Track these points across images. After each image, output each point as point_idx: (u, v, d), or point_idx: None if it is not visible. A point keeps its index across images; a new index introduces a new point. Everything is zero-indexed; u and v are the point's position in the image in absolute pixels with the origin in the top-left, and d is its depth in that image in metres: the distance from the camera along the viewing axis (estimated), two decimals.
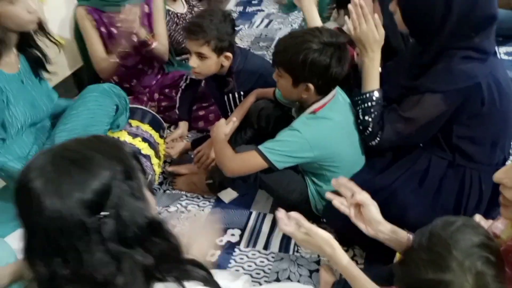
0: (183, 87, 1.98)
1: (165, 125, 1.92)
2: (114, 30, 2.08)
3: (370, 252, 1.42)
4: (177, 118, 2.13)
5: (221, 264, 1.43)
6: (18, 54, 1.50)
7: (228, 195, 1.68)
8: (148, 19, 2.16)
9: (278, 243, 1.50)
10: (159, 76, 2.28)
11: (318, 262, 1.41)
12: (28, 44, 1.50)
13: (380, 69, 1.29)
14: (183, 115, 1.98)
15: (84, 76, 2.38)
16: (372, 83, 1.27)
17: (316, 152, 1.30)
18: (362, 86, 1.30)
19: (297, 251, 1.46)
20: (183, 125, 1.96)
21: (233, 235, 1.54)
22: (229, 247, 1.49)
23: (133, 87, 2.22)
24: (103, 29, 2.09)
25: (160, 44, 2.14)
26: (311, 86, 1.26)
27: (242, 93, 1.69)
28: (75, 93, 2.37)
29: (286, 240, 1.50)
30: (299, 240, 1.04)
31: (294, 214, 1.04)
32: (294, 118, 1.63)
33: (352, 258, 1.42)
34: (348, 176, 1.36)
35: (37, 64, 1.57)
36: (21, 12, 1.34)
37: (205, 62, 1.60)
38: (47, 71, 1.62)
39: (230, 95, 1.71)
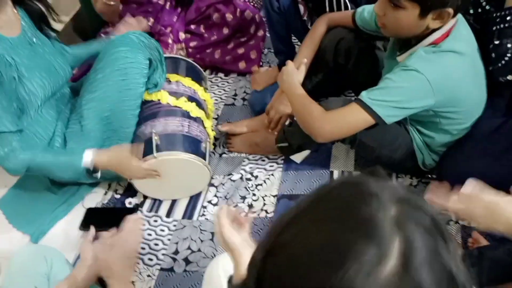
0: None
1: (204, 73, 1.57)
2: None
3: None
4: (212, 60, 1.77)
5: None
6: (16, 9, 1.13)
7: (300, 154, 1.38)
8: None
9: None
10: (179, 9, 1.86)
11: None
12: None
13: None
14: None
15: (86, 20, 1.96)
16: None
17: (439, 97, 0.97)
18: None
19: None
20: None
21: None
22: None
23: (152, 29, 1.81)
24: None
25: None
26: (450, 10, 0.89)
27: None
28: (79, 42, 1.99)
29: None
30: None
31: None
32: (380, 50, 1.29)
33: None
34: (467, 122, 1.07)
35: (41, 19, 1.20)
36: None
37: None
38: (52, 29, 1.25)
39: None
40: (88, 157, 1.18)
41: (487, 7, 1.07)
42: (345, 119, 1.00)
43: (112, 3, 1.63)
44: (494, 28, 0.97)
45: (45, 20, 1.22)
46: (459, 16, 0.99)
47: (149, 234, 1.29)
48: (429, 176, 1.24)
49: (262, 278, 0.39)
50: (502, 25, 0.95)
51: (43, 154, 1.16)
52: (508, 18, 0.96)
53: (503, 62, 0.97)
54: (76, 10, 1.96)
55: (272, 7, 1.46)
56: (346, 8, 1.29)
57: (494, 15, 0.99)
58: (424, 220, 0.38)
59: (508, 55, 0.96)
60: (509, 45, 0.96)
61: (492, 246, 1.05)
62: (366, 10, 1.18)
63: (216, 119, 1.61)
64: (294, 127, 1.21)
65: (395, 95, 0.96)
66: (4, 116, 1.08)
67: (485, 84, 1.06)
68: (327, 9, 1.32)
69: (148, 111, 1.29)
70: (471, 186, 0.77)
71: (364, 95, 0.98)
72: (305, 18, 1.43)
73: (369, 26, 1.18)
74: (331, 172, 1.35)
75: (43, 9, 1.20)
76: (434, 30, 0.95)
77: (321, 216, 0.38)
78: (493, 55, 0.99)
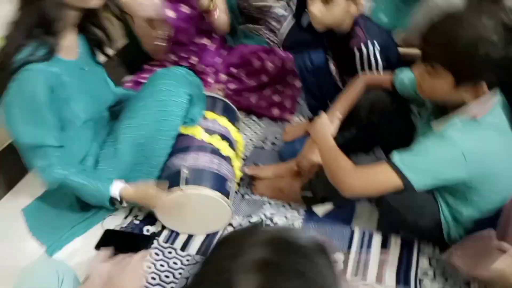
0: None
1: (239, 114, 1.62)
2: None
3: None
4: (248, 104, 1.83)
5: None
6: (77, 35, 1.21)
7: (323, 207, 1.37)
8: None
9: (394, 273, 1.20)
10: (222, 50, 1.95)
11: None
12: (91, 22, 1.21)
13: None
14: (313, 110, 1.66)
15: (133, 53, 2.06)
16: None
17: (473, 171, 0.97)
18: None
19: (420, 283, 1.16)
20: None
21: None
22: None
23: (194, 66, 1.90)
24: None
25: (221, 12, 1.80)
26: (484, 85, 0.91)
27: (376, 45, 1.32)
28: (123, 73, 2.09)
29: (404, 269, 1.20)
30: None
31: None
32: (416, 115, 1.30)
33: None
34: (499, 201, 1.05)
35: (98, 46, 1.28)
36: None
37: (331, 8, 1.30)
38: (106, 55, 1.34)
39: (358, 52, 1.34)
40: (117, 188, 1.22)
41: None
42: (374, 177, 1.00)
43: (163, 44, 1.72)
44: None
45: (102, 47, 1.30)
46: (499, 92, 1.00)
47: (162, 265, 1.28)
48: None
49: None
50: None
51: (76, 174, 1.20)
52: None
53: None
54: (124, 43, 2.07)
55: (306, 67, 1.54)
56: (377, 65, 1.33)
57: None
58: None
59: None
60: None
61: None
62: (406, 76, 1.21)
63: (244, 159, 1.63)
64: (320, 178, 1.21)
65: (427, 162, 0.96)
66: (50, 131, 1.14)
67: None
68: (359, 69, 1.37)
69: (181, 144, 1.33)
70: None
71: (396, 157, 0.98)
72: (336, 77, 1.48)
73: (407, 92, 1.20)
74: (352, 231, 1.33)
75: (102, 36, 1.28)
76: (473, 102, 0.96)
77: None
78: None
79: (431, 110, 1.11)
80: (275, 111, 1.80)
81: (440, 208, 1.12)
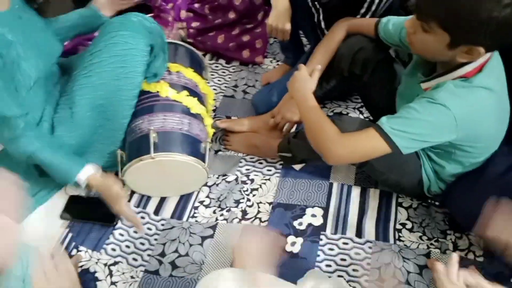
0: None
1: (206, 62, 1.46)
2: None
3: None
4: (214, 45, 1.66)
5: (306, 257, 1.15)
6: None
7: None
8: None
9: (374, 227, 1.20)
10: None
11: (428, 255, 1.14)
12: None
13: None
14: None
15: None
16: None
17: (461, 133, 0.92)
18: None
19: (399, 239, 1.18)
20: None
21: (314, 215, 1.23)
22: (313, 233, 1.20)
23: (151, 2, 1.68)
24: None
25: None
26: (481, 49, 0.83)
27: None
28: (71, 8, 1.82)
29: (383, 221, 1.21)
30: None
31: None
32: (398, 63, 1.22)
33: (469, 248, 1.15)
34: (482, 156, 1.03)
35: None
36: None
37: None
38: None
39: None
40: (84, 175, 1.11)
41: None
42: (361, 144, 0.94)
43: None
44: None
45: None
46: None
47: (135, 232, 1.22)
48: (431, 201, 1.21)
49: None
50: None
51: (42, 150, 1.08)
52: None
53: None
54: None
55: None
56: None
57: None
58: None
59: None
60: None
61: None
62: (391, 22, 1.10)
63: (213, 110, 1.52)
64: (300, 140, 1.14)
65: (417, 127, 0.90)
66: (11, 100, 1.00)
67: (508, 119, 1.01)
68: (362, 11, 1.23)
69: (146, 104, 1.19)
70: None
71: (384, 123, 0.92)
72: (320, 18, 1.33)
73: (391, 39, 1.10)
74: (331, 184, 1.30)
75: None
76: (465, 63, 0.88)
77: None
78: None
79: (418, 64, 1.03)
80: (245, 53, 1.65)
81: (422, 164, 1.09)
